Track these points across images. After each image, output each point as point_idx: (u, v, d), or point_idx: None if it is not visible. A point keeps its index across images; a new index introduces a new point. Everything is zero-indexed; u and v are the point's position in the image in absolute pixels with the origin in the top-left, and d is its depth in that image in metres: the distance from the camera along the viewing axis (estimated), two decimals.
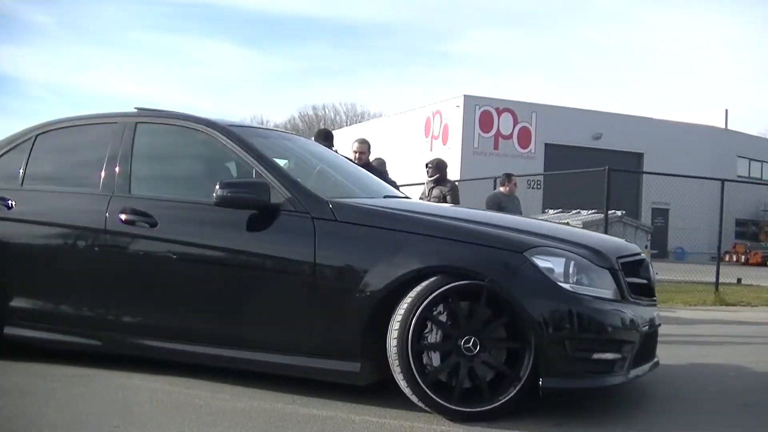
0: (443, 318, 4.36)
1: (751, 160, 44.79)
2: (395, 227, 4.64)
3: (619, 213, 19.33)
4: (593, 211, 17.91)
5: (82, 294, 5.29)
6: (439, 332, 4.36)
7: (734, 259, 35.71)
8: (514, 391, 4.28)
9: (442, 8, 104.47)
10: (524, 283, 4.31)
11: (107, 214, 5.17)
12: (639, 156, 38.49)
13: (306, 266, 4.64)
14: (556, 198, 27.17)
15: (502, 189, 12.03)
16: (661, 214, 37.13)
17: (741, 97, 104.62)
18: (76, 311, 5.28)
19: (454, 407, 4.28)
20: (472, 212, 5.54)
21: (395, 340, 4.32)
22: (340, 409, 4.49)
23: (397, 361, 4.33)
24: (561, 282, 4.32)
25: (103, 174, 5.35)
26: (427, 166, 10.92)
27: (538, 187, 34.78)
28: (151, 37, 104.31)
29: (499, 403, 4.29)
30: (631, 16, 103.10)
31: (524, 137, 38.00)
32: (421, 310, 4.29)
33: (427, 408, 4.35)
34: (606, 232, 15.27)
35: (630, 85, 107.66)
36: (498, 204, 11.39)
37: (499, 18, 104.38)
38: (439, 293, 4.32)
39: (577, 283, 4.35)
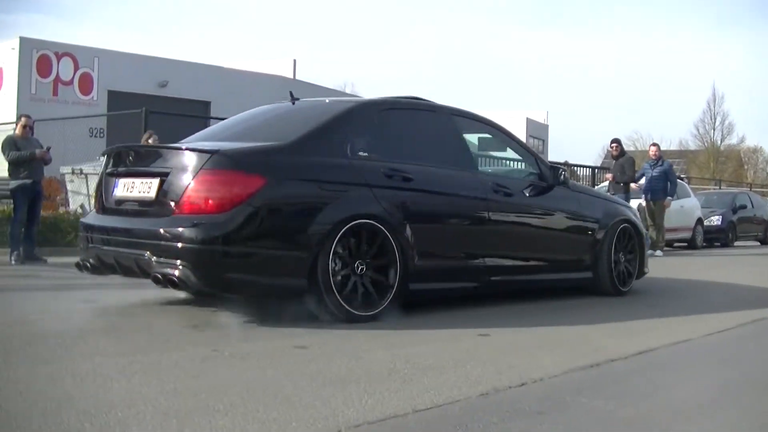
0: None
1: None
2: None
3: None
4: None
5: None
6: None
7: None
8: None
9: None
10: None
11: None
12: (206, 104, 37.72)
13: None
14: None
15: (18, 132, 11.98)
16: None
17: (308, 48, 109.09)
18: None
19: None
20: None
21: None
22: None
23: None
24: None
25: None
26: None
27: (101, 135, 32.84)
28: None
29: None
30: None
31: (85, 83, 35.51)
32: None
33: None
34: None
35: (199, 33, 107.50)
36: (13, 144, 11.56)
37: None
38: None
39: None
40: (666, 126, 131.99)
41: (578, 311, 7.27)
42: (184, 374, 4.16)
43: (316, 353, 4.87)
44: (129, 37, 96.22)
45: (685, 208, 17.84)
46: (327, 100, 7.31)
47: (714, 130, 67.80)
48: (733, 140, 68.38)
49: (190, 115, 29.05)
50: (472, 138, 8.23)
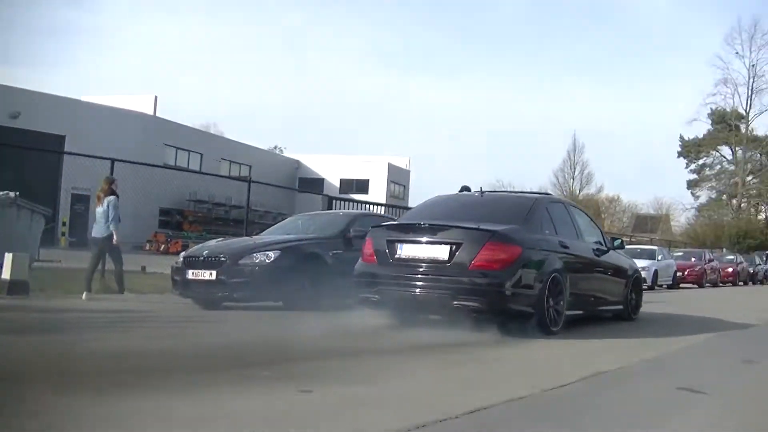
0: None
1: (178, 148, 45.22)
2: None
3: (12, 194, 17.47)
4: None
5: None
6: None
7: (155, 247, 35.62)
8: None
9: None
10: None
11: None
12: (60, 138, 36.26)
13: None
14: None
15: None
16: (81, 200, 35.48)
17: (171, 85, 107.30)
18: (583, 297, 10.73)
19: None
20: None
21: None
22: None
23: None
24: None
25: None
26: None
27: None
28: None
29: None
30: None
31: None
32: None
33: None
34: None
35: (56, 65, 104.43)
36: None
37: None
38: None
39: None
40: (528, 174, 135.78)
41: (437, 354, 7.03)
42: None
43: None
44: None
45: None
46: (509, 194, 13.42)
47: (573, 179, 70.11)
48: (591, 189, 70.77)
49: (31, 147, 27.79)
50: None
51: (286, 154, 64.25)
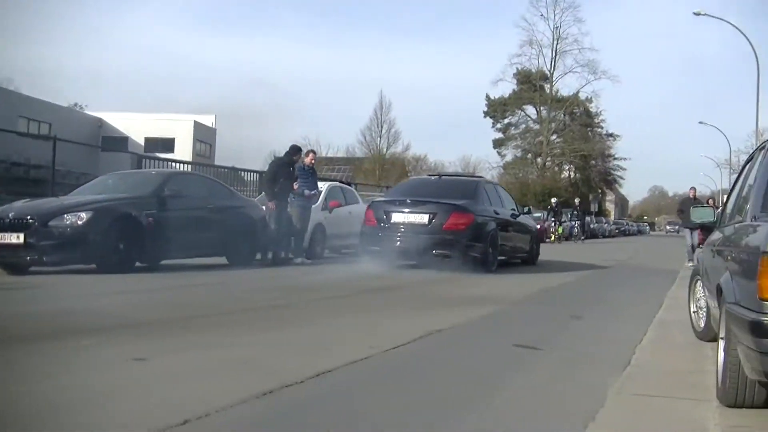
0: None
1: None
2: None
3: None
4: None
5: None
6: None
7: None
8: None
9: None
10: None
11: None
12: None
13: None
14: None
15: None
16: None
17: None
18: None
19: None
20: None
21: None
22: None
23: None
24: None
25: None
26: None
27: None
28: None
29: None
30: None
31: None
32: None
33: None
34: None
35: None
36: None
37: None
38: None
39: None
40: (336, 133, 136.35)
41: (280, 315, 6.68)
42: None
43: None
44: None
45: (353, 214, 18.22)
46: (459, 178, 18.19)
47: (381, 137, 70.74)
48: (398, 148, 71.62)
49: None
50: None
51: (88, 111, 60.84)
